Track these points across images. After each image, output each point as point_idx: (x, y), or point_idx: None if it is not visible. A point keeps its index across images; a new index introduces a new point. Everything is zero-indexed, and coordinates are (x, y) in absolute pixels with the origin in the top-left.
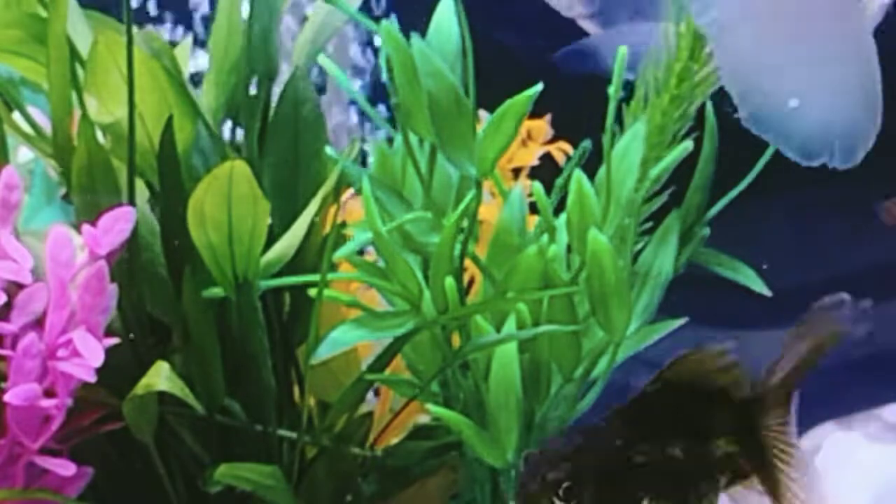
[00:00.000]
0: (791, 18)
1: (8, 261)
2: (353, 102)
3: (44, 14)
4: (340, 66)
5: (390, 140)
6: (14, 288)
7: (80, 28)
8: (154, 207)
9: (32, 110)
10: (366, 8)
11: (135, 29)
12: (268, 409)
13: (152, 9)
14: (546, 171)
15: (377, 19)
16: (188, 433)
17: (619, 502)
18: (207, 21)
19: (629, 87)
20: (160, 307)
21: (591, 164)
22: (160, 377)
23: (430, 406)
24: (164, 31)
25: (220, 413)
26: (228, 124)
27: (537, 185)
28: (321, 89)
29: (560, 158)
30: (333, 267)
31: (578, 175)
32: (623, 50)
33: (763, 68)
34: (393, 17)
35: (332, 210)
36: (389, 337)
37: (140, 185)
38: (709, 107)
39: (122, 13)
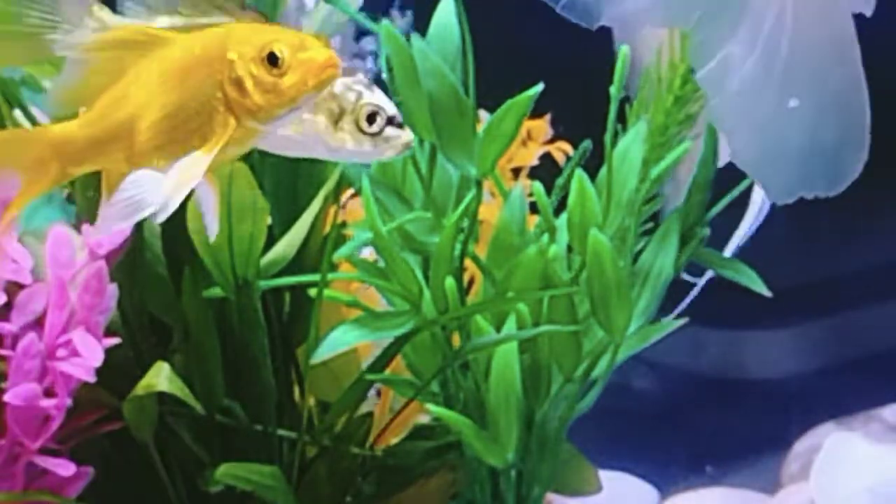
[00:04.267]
0: (786, 60)
1: (8, 261)
2: None
3: None
4: None
5: None
6: (14, 288)
7: None
8: None
9: (33, 110)
10: None
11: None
12: (268, 409)
13: None
14: (546, 171)
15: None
16: (188, 433)
17: None
18: None
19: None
20: (160, 307)
21: (592, 164)
22: (160, 377)
23: (430, 406)
24: None
25: (220, 413)
26: None
27: (537, 185)
28: None
29: (560, 158)
30: (333, 267)
31: (580, 175)
32: (625, 49)
33: (757, 109)
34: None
35: (332, 210)
36: (389, 337)
37: None
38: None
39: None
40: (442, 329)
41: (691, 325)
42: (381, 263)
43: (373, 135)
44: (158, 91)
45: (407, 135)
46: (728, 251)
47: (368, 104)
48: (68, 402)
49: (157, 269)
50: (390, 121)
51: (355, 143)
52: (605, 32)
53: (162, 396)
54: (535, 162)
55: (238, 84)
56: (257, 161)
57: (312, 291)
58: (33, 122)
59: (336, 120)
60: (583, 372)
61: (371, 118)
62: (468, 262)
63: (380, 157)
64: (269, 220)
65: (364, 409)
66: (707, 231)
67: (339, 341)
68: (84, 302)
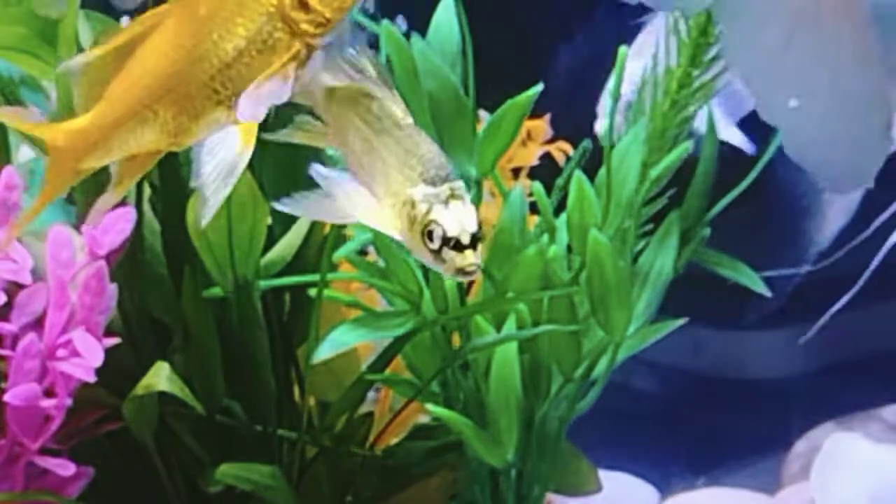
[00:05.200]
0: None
1: (8, 261)
2: None
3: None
4: None
5: None
6: (14, 288)
7: (80, 28)
8: (155, 207)
9: (33, 110)
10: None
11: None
12: (268, 409)
13: None
14: (546, 171)
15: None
16: (188, 433)
17: None
18: None
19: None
20: (160, 307)
21: (592, 165)
22: (160, 377)
23: (430, 406)
24: None
25: (220, 413)
26: None
27: (537, 185)
28: None
29: (560, 158)
30: (333, 267)
31: (579, 176)
32: (623, 50)
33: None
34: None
35: None
36: (389, 337)
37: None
38: (709, 109)
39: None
40: (442, 329)
41: (691, 325)
42: (381, 263)
43: (432, 251)
44: (203, 51)
45: (463, 260)
46: None
47: (430, 221)
48: (68, 402)
49: (157, 269)
50: (447, 241)
51: (421, 254)
52: (605, 32)
53: (162, 396)
54: (535, 162)
55: (301, 4)
56: (257, 161)
57: (312, 291)
58: None
59: (410, 225)
60: (583, 372)
61: (430, 235)
62: None
63: (444, 274)
64: (269, 220)
65: (364, 409)
66: (708, 231)
67: (339, 341)
68: (84, 302)
